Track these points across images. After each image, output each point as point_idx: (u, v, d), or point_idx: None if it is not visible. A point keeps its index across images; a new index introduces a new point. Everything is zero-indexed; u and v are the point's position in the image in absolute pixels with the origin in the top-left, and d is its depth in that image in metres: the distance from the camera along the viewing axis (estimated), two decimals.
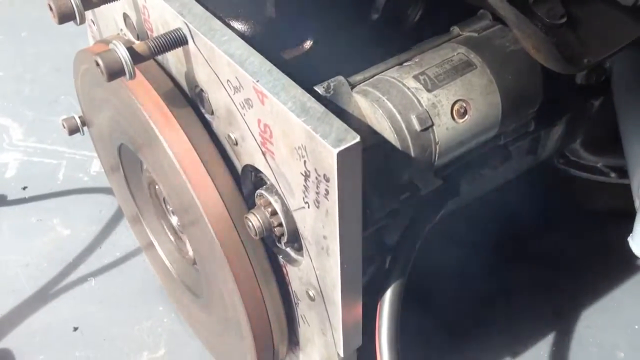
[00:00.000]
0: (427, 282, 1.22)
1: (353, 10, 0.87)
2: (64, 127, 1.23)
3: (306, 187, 0.71)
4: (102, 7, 0.95)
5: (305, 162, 0.68)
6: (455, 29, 0.83)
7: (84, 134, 1.23)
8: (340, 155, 0.62)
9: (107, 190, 1.57)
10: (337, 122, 0.64)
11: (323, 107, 0.66)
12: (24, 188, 1.57)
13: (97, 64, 0.76)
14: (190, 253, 1.09)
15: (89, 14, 1.12)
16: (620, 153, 1.19)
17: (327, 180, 0.65)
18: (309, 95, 0.68)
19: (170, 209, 1.12)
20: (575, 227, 1.42)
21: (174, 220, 1.13)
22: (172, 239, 1.19)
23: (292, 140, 0.68)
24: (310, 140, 0.65)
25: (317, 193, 0.69)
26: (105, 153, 1.22)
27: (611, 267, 1.36)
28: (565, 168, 1.30)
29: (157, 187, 1.10)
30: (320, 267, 0.77)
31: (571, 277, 1.34)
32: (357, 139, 0.62)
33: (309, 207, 0.72)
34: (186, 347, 1.26)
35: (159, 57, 0.92)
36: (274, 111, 0.69)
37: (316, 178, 0.67)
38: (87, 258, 1.42)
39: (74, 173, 1.61)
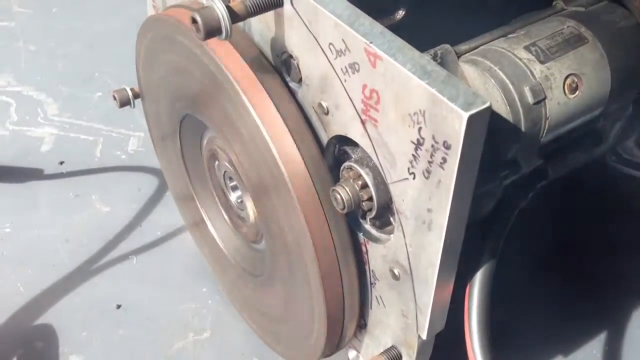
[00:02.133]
0: None
1: None
2: (115, 99, 1.20)
3: (415, 157, 0.67)
4: None
5: (420, 129, 0.65)
6: (559, 3, 0.80)
7: (134, 106, 1.20)
8: (470, 120, 0.59)
9: (145, 169, 1.53)
10: (463, 86, 0.61)
11: (445, 71, 0.63)
12: (61, 163, 1.53)
13: (194, 21, 0.73)
14: (250, 231, 1.06)
15: None
16: None
17: (447, 148, 0.62)
18: (427, 57, 0.65)
19: (231, 184, 1.09)
20: (626, 224, 1.39)
21: (234, 196, 1.10)
22: (227, 217, 1.15)
23: (406, 105, 0.65)
24: (432, 104, 0.62)
25: (430, 162, 0.66)
26: (161, 127, 1.18)
27: None
28: (618, 166, 1.27)
29: (217, 162, 1.07)
30: (416, 243, 0.74)
31: (623, 278, 1.32)
32: (487, 103, 0.59)
33: (414, 178, 0.69)
34: (232, 329, 1.23)
35: (240, 24, 0.88)
36: (389, 74, 0.66)
37: (432, 146, 0.64)
38: (127, 236, 1.38)
39: (112, 150, 1.58)
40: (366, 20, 0.69)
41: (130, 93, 1.20)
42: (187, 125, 1.07)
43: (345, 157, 0.83)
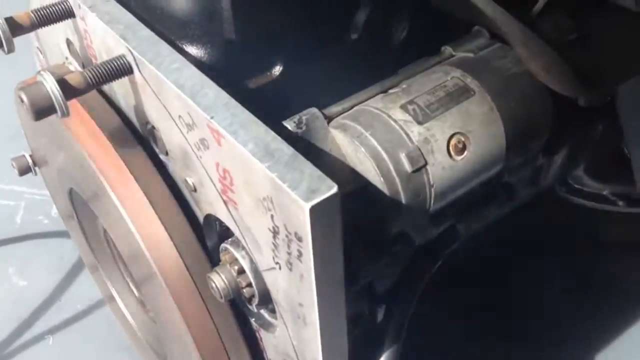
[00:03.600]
0: None
1: (329, 30, 0.75)
2: (14, 167, 1.10)
3: (275, 246, 0.58)
4: (46, 33, 0.83)
5: (272, 216, 0.55)
6: (447, 49, 0.71)
7: (36, 174, 1.10)
8: (314, 210, 0.49)
9: (69, 234, 1.43)
10: (309, 168, 0.52)
11: (291, 149, 0.53)
12: None
13: (22, 100, 0.63)
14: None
15: (34, 40, 1.00)
16: (628, 179, 1.09)
17: (300, 240, 0.52)
18: (274, 133, 0.55)
19: None
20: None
21: (133, 274, 1.00)
22: (135, 291, 1.05)
23: (256, 189, 0.56)
24: (276, 191, 0.52)
25: (289, 254, 0.56)
26: (58, 197, 1.09)
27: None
28: (569, 197, 1.19)
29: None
30: (298, 337, 0.64)
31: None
32: (334, 189, 0.50)
33: (280, 268, 0.59)
34: None
35: (106, 88, 0.79)
36: (233, 154, 0.56)
37: (286, 236, 0.54)
38: (45, 313, 1.27)
39: (34, 215, 1.47)
40: (211, 90, 0.60)
41: (30, 160, 1.11)
42: (77, 198, 0.98)
43: (228, 234, 0.73)
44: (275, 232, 0.56)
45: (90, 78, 0.66)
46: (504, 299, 1.24)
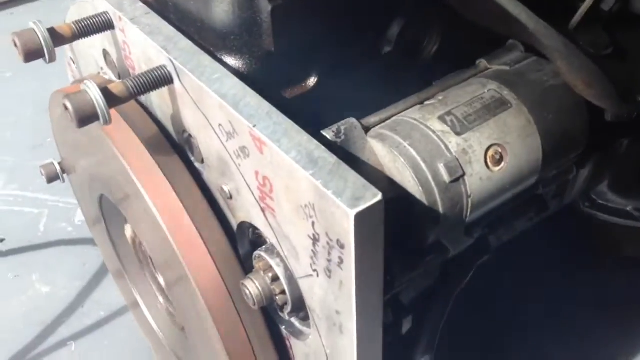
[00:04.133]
0: None
1: (363, 43, 0.76)
2: (42, 174, 1.12)
3: (315, 253, 0.58)
4: (81, 43, 0.85)
5: (313, 223, 0.56)
6: (483, 62, 0.72)
7: (64, 181, 1.12)
8: (358, 218, 0.50)
9: (92, 241, 1.44)
10: (353, 176, 0.52)
11: (334, 157, 0.54)
12: (2, 241, 1.44)
13: (66, 108, 0.64)
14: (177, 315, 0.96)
15: (67, 51, 1.02)
16: None
17: (342, 247, 0.53)
18: (316, 142, 0.56)
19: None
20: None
21: (162, 279, 1.01)
22: (161, 299, 1.06)
23: (297, 196, 0.56)
24: (319, 198, 0.53)
25: (329, 261, 0.56)
26: (86, 203, 1.10)
27: None
28: (592, 212, 1.18)
29: (142, 245, 0.98)
30: (332, 346, 0.64)
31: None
32: (379, 196, 0.50)
33: (318, 275, 0.60)
34: None
35: (142, 98, 0.81)
36: (275, 162, 0.57)
37: (327, 243, 0.55)
38: (67, 319, 1.28)
39: (57, 223, 1.49)
40: (253, 99, 0.61)
41: (58, 168, 1.12)
42: (107, 205, 0.99)
43: (261, 242, 0.74)
44: (315, 239, 0.57)
45: (132, 87, 0.67)
46: (521, 313, 1.24)
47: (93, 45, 0.89)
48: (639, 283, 1.30)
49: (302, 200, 0.56)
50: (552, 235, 1.25)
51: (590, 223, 1.18)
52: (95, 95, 0.64)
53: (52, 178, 1.12)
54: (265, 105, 0.60)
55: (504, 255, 0.80)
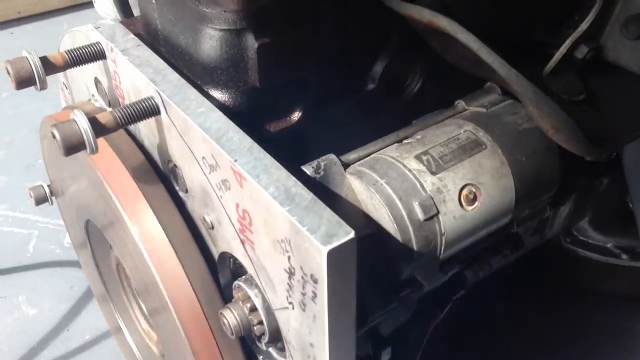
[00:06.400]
0: None
1: (347, 80, 0.78)
2: (31, 196, 1.13)
3: (291, 286, 0.60)
4: (74, 70, 0.87)
5: (289, 257, 0.57)
6: (461, 103, 0.74)
7: (52, 204, 1.13)
8: (331, 254, 0.51)
9: (79, 264, 1.45)
10: (328, 213, 0.54)
11: (311, 194, 0.56)
12: None
13: (54, 137, 0.66)
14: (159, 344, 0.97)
15: (60, 77, 1.04)
16: (633, 233, 1.10)
17: (315, 282, 0.54)
18: (295, 179, 0.58)
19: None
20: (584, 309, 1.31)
21: (144, 306, 1.01)
22: (143, 325, 1.06)
23: (274, 231, 0.58)
24: (295, 234, 0.54)
25: (304, 295, 0.58)
26: (73, 227, 1.11)
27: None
28: (573, 248, 1.20)
29: (125, 271, 0.99)
30: None
31: None
32: (352, 234, 0.52)
33: (294, 308, 0.61)
34: None
35: (131, 127, 0.83)
36: (254, 197, 0.59)
37: (302, 277, 0.57)
38: (52, 342, 1.28)
39: (46, 245, 1.50)
40: (236, 134, 0.63)
41: (47, 190, 1.14)
42: (93, 230, 1.00)
43: (241, 272, 0.75)
44: (291, 273, 0.58)
45: (119, 118, 0.69)
46: (502, 343, 1.25)
47: (86, 73, 0.91)
48: (616, 317, 1.32)
49: (279, 235, 0.57)
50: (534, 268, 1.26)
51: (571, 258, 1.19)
52: (84, 125, 0.66)
53: (40, 200, 1.13)
54: (248, 141, 0.62)
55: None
